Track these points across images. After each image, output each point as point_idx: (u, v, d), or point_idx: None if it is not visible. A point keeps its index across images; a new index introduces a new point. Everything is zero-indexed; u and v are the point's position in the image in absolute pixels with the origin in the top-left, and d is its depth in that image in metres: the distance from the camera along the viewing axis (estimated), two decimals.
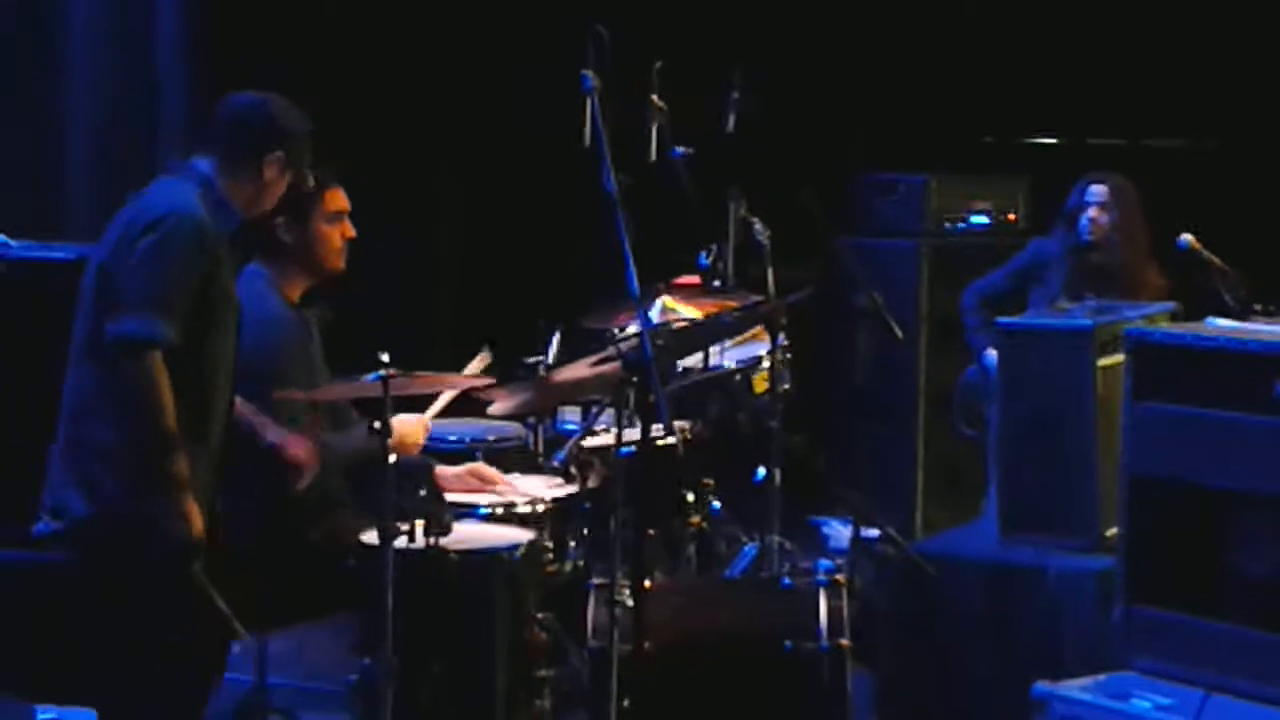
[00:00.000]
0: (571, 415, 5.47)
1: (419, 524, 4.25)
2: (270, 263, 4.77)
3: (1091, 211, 6.24)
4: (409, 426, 4.63)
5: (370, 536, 4.29)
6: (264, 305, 4.67)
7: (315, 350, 4.85)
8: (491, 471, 4.91)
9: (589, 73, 4.26)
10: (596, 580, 4.46)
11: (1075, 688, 3.98)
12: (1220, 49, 7.49)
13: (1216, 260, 5.63)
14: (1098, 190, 6.26)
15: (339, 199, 4.79)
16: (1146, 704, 3.89)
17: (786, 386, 5.38)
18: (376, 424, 4.19)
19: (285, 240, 4.74)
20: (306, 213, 4.74)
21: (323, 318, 4.99)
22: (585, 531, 4.86)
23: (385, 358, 4.20)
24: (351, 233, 4.80)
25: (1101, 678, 4.06)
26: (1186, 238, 5.70)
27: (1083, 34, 7.73)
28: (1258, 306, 5.04)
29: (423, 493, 4.29)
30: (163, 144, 5.68)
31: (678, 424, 5.21)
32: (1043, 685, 4.00)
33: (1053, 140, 8.01)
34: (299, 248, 4.75)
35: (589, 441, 4.83)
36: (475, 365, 4.86)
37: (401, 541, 4.22)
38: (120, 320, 4.08)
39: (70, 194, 6.00)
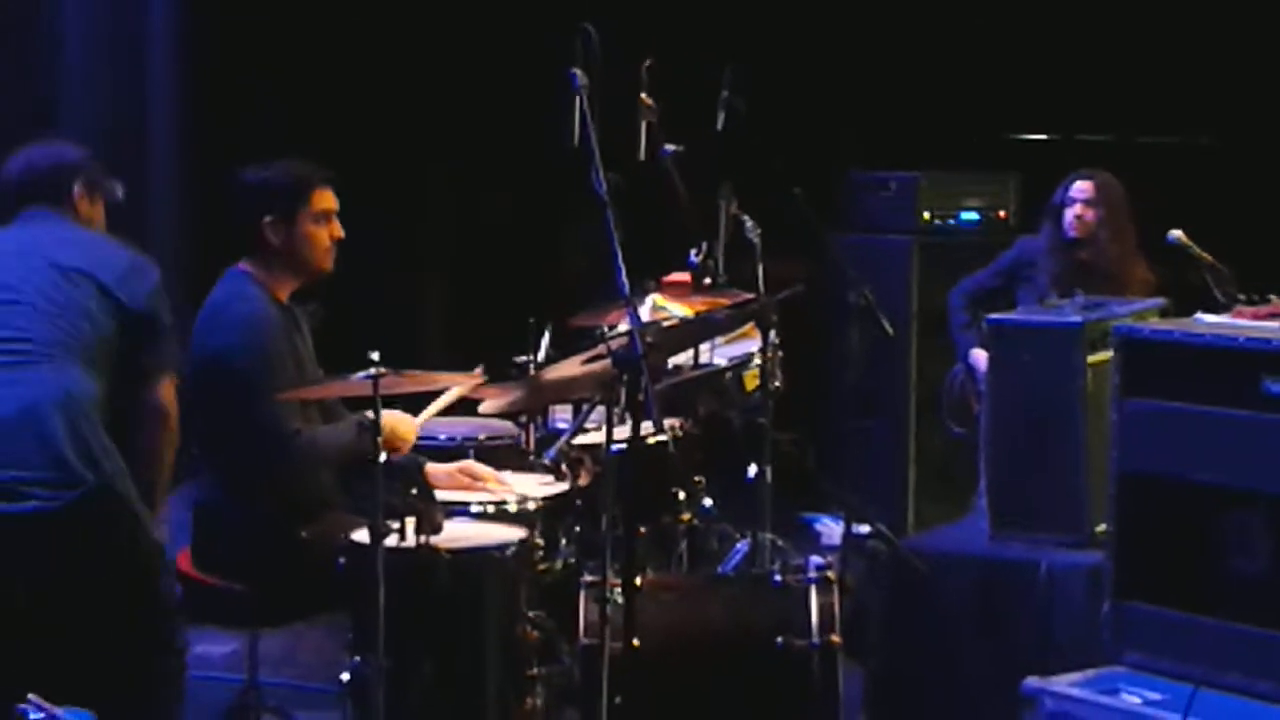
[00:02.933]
0: (562, 414, 5.46)
1: (410, 522, 4.25)
2: (258, 262, 4.77)
3: (1077, 208, 6.25)
4: (402, 424, 4.63)
5: (361, 535, 4.28)
6: (250, 304, 4.67)
7: (305, 348, 4.85)
8: (482, 469, 4.91)
9: (577, 71, 4.26)
10: (588, 578, 4.46)
11: (1065, 683, 3.99)
12: (1210, 45, 7.51)
13: (1206, 256, 5.64)
14: (1083, 186, 6.28)
15: (326, 199, 4.79)
16: (1136, 699, 3.89)
17: (777, 384, 5.38)
18: (369, 415, 4.18)
19: (272, 241, 4.74)
20: (294, 213, 4.74)
21: (315, 315, 4.99)
22: (576, 529, 4.87)
23: (375, 356, 4.20)
24: (340, 232, 4.80)
25: (1091, 673, 4.06)
26: (1175, 233, 5.71)
27: (1072, 31, 7.74)
28: (1242, 296, 5.05)
29: (414, 491, 4.29)
30: (153, 153, 5.69)
31: (668, 422, 5.21)
32: (1033, 681, 4.01)
33: (1043, 137, 8.01)
34: (286, 248, 4.75)
35: (580, 439, 4.84)
36: (464, 384, 4.84)
37: (392, 540, 4.22)
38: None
39: None
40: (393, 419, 4.52)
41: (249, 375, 4.49)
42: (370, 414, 4.18)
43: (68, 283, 4.34)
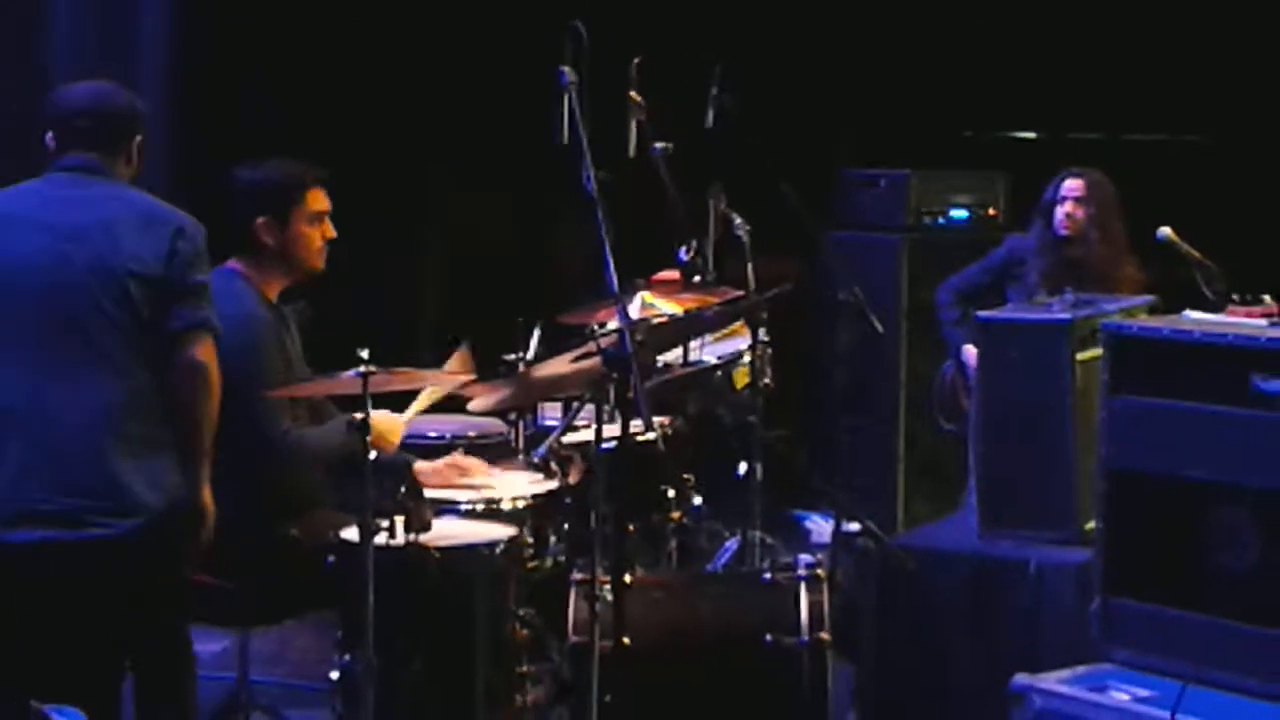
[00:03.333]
0: (552, 411, 5.47)
1: (399, 520, 4.25)
2: (249, 261, 4.77)
3: (1067, 206, 6.25)
4: (387, 423, 4.63)
5: (350, 533, 4.29)
6: (240, 304, 4.67)
7: (294, 347, 4.85)
8: (470, 461, 4.92)
9: (566, 69, 4.27)
10: (577, 576, 4.46)
11: (1054, 680, 3.99)
12: (1199, 43, 7.52)
13: (1195, 253, 5.64)
14: (1073, 185, 6.28)
15: (320, 199, 4.80)
16: (1125, 696, 3.90)
17: (767, 381, 5.39)
18: (357, 417, 4.19)
19: (266, 240, 4.74)
20: (288, 213, 4.74)
21: (303, 314, 4.99)
22: (566, 527, 4.87)
23: (365, 354, 4.20)
24: (332, 233, 4.82)
25: (1080, 670, 4.07)
26: (1165, 231, 5.72)
27: (1062, 29, 7.75)
28: (1235, 296, 5.05)
29: (403, 489, 4.29)
30: (146, 152, 5.68)
31: (658, 419, 5.22)
32: (1021, 678, 4.01)
33: (1033, 135, 8.03)
34: (279, 248, 4.76)
35: (569, 437, 4.84)
36: (454, 363, 4.86)
37: (382, 538, 4.22)
38: (193, 309, 4.14)
39: None
40: (378, 418, 4.52)
41: (238, 374, 4.49)
42: (359, 415, 4.18)
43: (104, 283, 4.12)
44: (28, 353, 4.08)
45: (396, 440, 4.68)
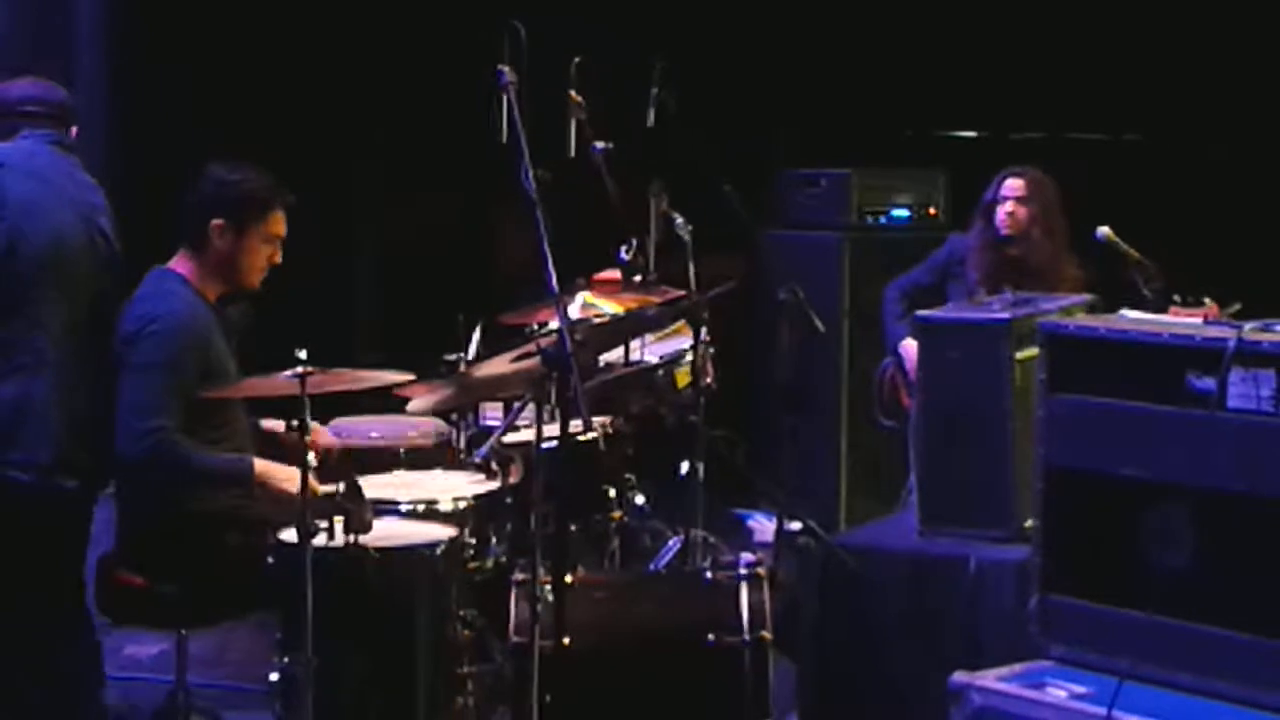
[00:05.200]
0: (493, 411, 5.46)
1: (338, 522, 4.24)
2: (192, 259, 4.75)
3: (1008, 205, 6.25)
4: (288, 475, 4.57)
5: (290, 535, 4.27)
6: (178, 299, 4.65)
7: (228, 348, 4.82)
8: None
9: (505, 68, 4.26)
10: (518, 576, 4.46)
11: (992, 677, 4.00)
12: (1140, 43, 7.56)
13: (1134, 252, 5.67)
14: (1014, 184, 6.28)
15: (280, 224, 4.80)
16: (1062, 692, 3.91)
17: (709, 381, 5.39)
18: (293, 423, 4.18)
19: (216, 242, 4.72)
20: (246, 225, 4.73)
21: (244, 316, 4.97)
22: (508, 527, 4.86)
23: (303, 355, 4.18)
24: (279, 259, 4.82)
25: (1018, 667, 4.07)
26: (1103, 230, 5.74)
27: (1001, 29, 7.78)
28: (1176, 297, 5.08)
29: (342, 490, 4.27)
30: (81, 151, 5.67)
31: (599, 419, 5.21)
32: (960, 675, 4.02)
33: (973, 134, 8.06)
34: (227, 254, 4.74)
35: (510, 437, 4.83)
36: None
37: (321, 540, 4.21)
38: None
39: None
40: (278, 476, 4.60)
41: (146, 358, 4.49)
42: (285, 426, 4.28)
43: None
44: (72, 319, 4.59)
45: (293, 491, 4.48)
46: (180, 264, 4.77)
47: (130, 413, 4.51)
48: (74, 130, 4.81)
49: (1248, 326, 3.91)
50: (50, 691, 4.60)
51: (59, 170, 4.70)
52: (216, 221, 4.70)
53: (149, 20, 6.50)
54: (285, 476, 4.56)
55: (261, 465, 4.62)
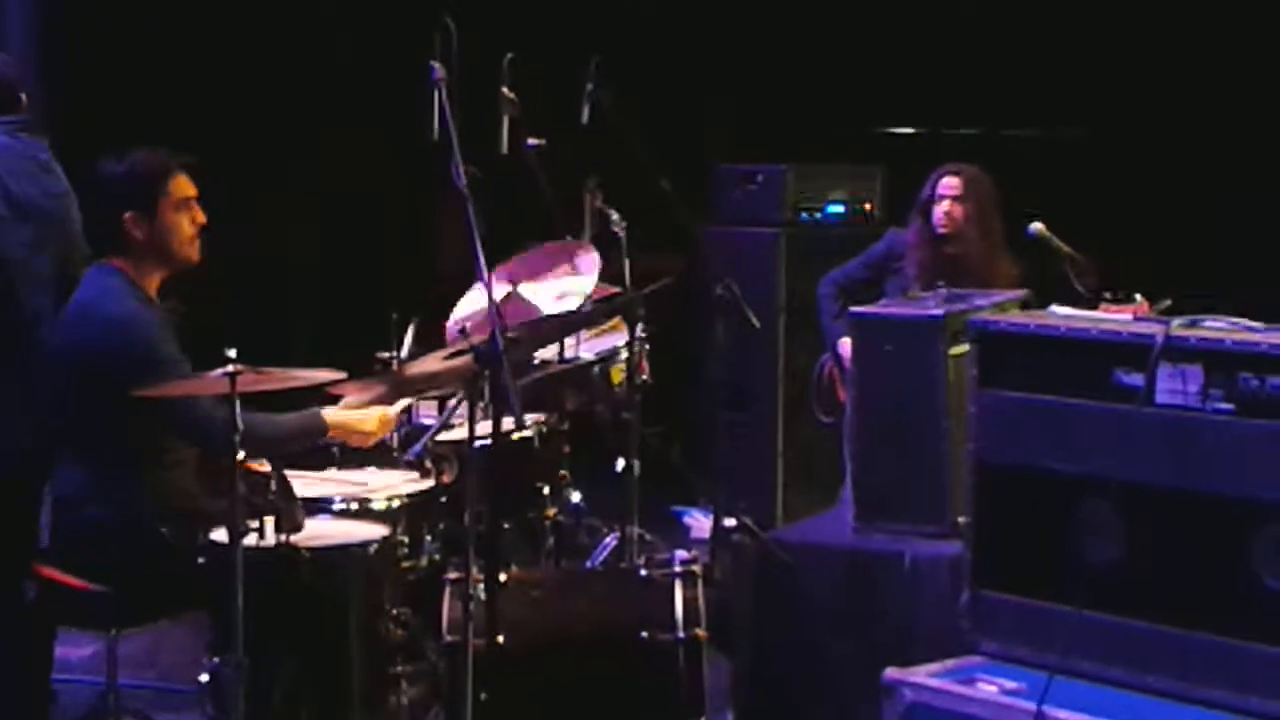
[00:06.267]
0: (427, 410, 5.43)
1: (269, 521, 4.21)
2: (124, 258, 4.70)
3: (945, 204, 6.27)
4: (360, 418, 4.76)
5: (220, 534, 4.24)
6: (121, 302, 4.60)
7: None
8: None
9: (436, 64, 4.24)
10: (451, 574, 4.44)
11: (923, 673, 4.01)
12: (1075, 39, 7.61)
13: (1065, 248, 5.70)
14: (951, 182, 6.30)
15: (184, 185, 4.73)
16: (993, 688, 3.93)
17: (645, 378, 5.39)
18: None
19: (135, 235, 4.67)
20: (154, 204, 4.67)
21: (174, 312, 4.93)
22: (441, 526, 4.84)
23: (233, 353, 4.15)
24: (202, 218, 4.74)
25: (950, 663, 4.09)
26: (1035, 226, 5.77)
27: (937, 25, 7.82)
28: (1107, 294, 5.11)
29: (273, 489, 4.24)
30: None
31: (534, 416, 5.20)
32: (892, 672, 4.03)
33: (909, 130, 8.09)
34: (151, 241, 4.68)
35: (444, 435, 4.82)
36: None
37: (252, 539, 4.18)
38: None
39: None
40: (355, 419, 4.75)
41: (123, 374, 4.44)
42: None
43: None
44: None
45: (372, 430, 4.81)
46: (115, 263, 4.72)
47: (195, 425, 4.57)
48: (23, 98, 4.86)
49: (1175, 322, 3.94)
50: None
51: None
52: (127, 215, 4.65)
53: (79, 21, 6.45)
54: (358, 420, 4.77)
55: (333, 413, 4.77)
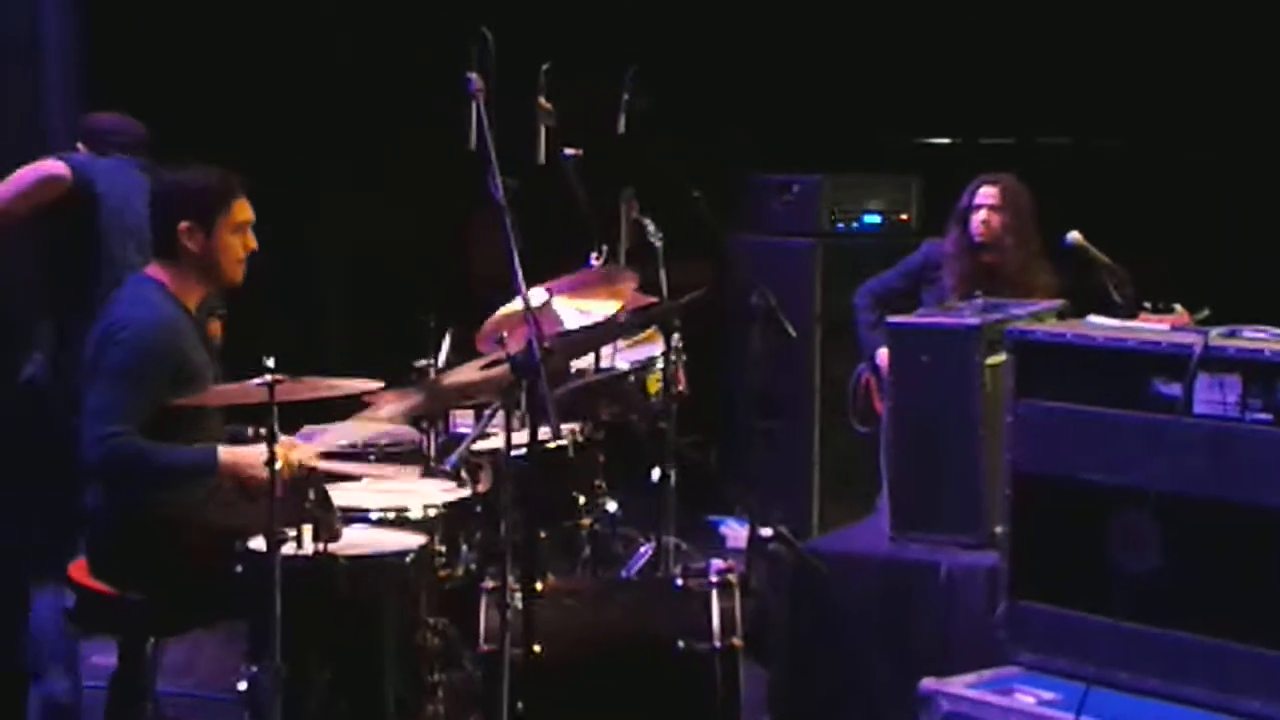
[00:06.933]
0: (464, 419, 5.44)
1: (307, 530, 4.23)
2: (168, 266, 4.72)
3: (983, 213, 6.26)
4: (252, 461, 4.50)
5: (258, 543, 4.25)
6: (157, 309, 4.62)
7: (208, 356, 4.80)
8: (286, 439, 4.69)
9: (473, 74, 4.25)
10: (488, 584, 4.44)
11: (960, 684, 4.01)
12: (1111, 48, 7.58)
13: (1103, 257, 5.68)
14: (989, 192, 6.29)
15: (246, 210, 4.75)
16: (1030, 699, 3.93)
17: (680, 388, 5.39)
18: (261, 430, 4.16)
19: (189, 246, 4.69)
20: (213, 221, 4.70)
21: (219, 319, 4.96)
22: (478, 535, 4.85)
23: (271, 363, 4.17)
24: (254, 244, 4.76)
25: (987, 674, 4.09)
26: (1073, 235, 5.76)
27: (974, 35, 7.80)
28: (1146, 304, 5.10)
29: (311, 498, 4.26)
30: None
31: (569, 426, 5.21)
32: (929, 682, 4.03)
33: (945, 140, 8.07)
34: (201, 255, 4.71)
35: (480, 445, 4.82)
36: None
37: (290, 548, 4.20)
38: None
39: None
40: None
41: (112, 364, 4.47)
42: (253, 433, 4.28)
43: None
44: None
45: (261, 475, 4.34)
46: (157, 271, 4.74)
47: (91, 418, 4.49)
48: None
49: (1214, 332, 3.93)
50: None
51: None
52: (183, 225, 4.67)
53: (115, 26, 6.49)
54: (252, 461, 4.47)
55: (227, 452, 4.56)
